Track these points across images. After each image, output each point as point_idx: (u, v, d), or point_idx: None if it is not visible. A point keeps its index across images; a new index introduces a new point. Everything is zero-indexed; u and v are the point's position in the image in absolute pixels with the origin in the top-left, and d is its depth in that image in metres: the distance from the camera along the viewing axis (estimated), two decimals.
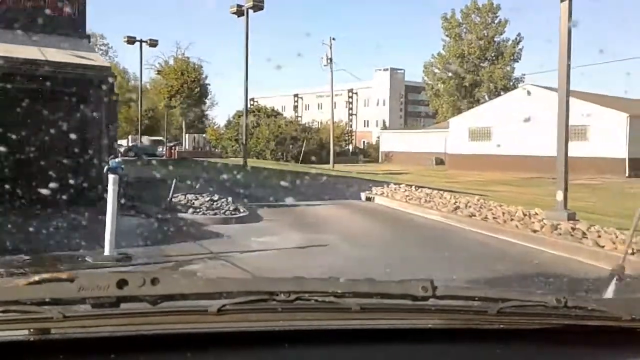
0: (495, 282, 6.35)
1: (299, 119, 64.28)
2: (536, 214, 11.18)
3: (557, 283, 6.58)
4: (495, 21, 54.02)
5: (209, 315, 1.25)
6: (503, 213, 11.07)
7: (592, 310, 1.41)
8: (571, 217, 10.36)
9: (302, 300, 1.30)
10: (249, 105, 55.86)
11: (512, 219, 10.52)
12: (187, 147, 42.13)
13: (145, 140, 42.82)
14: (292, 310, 1.32)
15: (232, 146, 46.37)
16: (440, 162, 45.59)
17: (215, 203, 11.84)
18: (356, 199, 15.46)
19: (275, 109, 53.47)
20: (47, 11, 14.40)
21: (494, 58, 54.44)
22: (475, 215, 11.10)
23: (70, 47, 13.58)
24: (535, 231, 9.47)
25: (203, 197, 12.26)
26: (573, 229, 9.27)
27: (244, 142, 27.72)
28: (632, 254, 6.75)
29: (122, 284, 1.22)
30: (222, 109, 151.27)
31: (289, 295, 1.29)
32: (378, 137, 58.67)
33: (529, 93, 36.79)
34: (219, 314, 1.24)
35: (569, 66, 10.91)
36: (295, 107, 79.94)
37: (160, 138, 45.93)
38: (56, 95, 11.95)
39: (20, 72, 11.60)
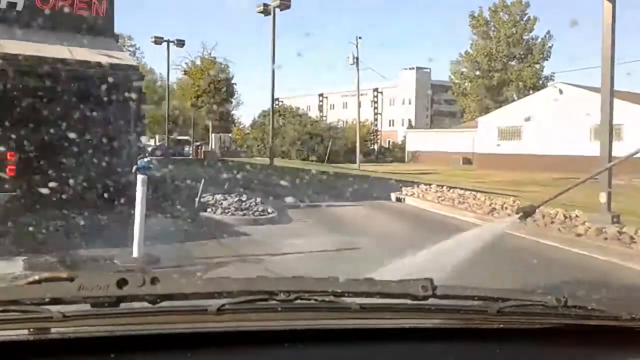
0: (556, 291, 5.94)
1: (324, 118, 64.03)
2: (577, 216, 10.71)
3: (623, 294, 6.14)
4: (524, 19, 52.98)
5: (209, 315, 1.24)
6: (543, 216, 10.60)
7: (591, 309, 1.40)
8: (615, 220, 9.88)
9: (302, 300, 1.30)
10: (275, 105, 56.14)
11: (552, 222, 10.08)
12: (213, 147, 42.16)
13: (172, 140, 42.99)
14: (292, 309, 1.32)
15: (258, 146, 46.38)
16: (467, 161, 44.87)
17: (244, 203, 11.62)
18: (386, 200, 15.13)
19: (301, 108, 53.32)
20: (76, 11, 14.38)
21: (522, 56, 53.47)
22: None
23: (99, 47, 13.52)
24: (579, 235, 9.03)
25: (231, 197, 12.06)
26: (620, 232, 8.80)
27: (271, 141, 27.51)
28: None
29: (122, 283, 1.21)
30: (246, 109, 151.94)
31: (288, 294, 1.28)
32: (404, 137, 58.06)
33: (560, 91, 35.93)
34: (218, 314, 1.24)
35: (612, 64, 10.44)
36: (320, 107, 79.67)
37: (187, 138, 46.10)
38: (84, 94, 11.87)
39: (48, 71, 11.55)
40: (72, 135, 11.81)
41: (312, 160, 41.08)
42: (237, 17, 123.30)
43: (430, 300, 1.32)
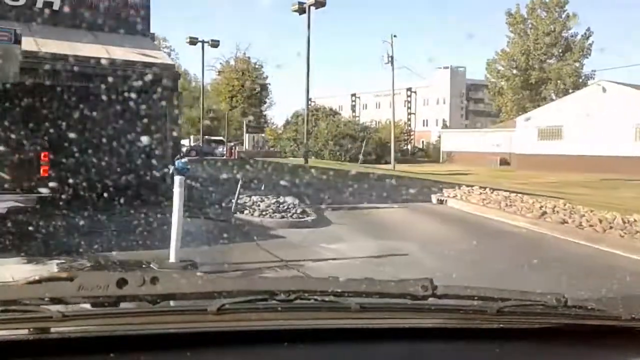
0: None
1: (357, 118, 63.51)
2: (635, 221, 10.02)
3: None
4: (563, 15, 51.54)
5: (209, 315, 1.24)
6: (600, 220, 9.92)
7: (591, 309, 1.39)
8: None
9: (301, 300, 1.30)
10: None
11: (611, 227, 9.42)
12: (247, 147, 42.10)
13: (206, 140, 43.08)
14: (291, 309, 1.32)
15: (291, 146, 46.15)
16: (505, 162, 43.79)
17: (281, 205, 11.24)
18: (426, 202, 14.58)
19: (333, 109, 52.93)
20: (112, 10, 14.30)
21: (561, 54, 52.05)
22: (567, 222, 10.03)
23: (135, 46, 13.39)
24: None
25: (269, 198, 11.70)
26: None
27: (305, 141, 27.15)
28: None
29: (121, 283, 1.21)
30: (279, 109, 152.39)
31: (288, 294, 1.29)
32: (438, 137, 57.15)
33: (604, 89, 34.69)
34: (218, 314, 1.24)
35: None
36: (353, 107, 79.17)
37: (221, 138, 46.16)
38: (120, 93, 11.70)
39: (84, 70, 11.42)
40: (107, 135, 11.66)
41: (346, 161, 40.62)
42: (268, 16, 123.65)
43: (430, 300, 1.32)
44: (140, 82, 11.79)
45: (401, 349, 1.31)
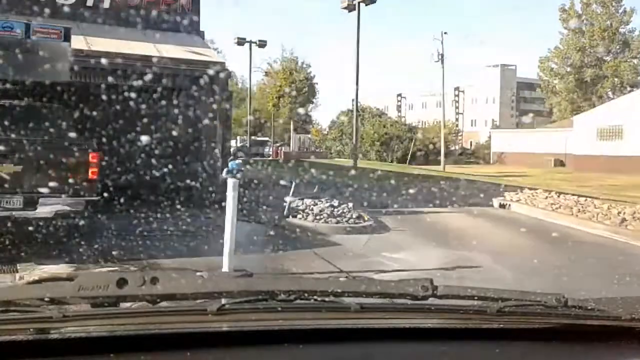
0: None
1: (402, 119, 62.51)
2: None
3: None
4: (620, 11, 49.28)
5: (209, 315, 1.24)
6: None
7: (591, 309, 1.38)
8: None
9: (301, 300, 1.30)
10: (352, 106, 55.27)
11: None
12: (293, 148, 41.79)
13: (252, 140, 42.99)
14: (291, 309, 1.32)
15: (336, 146, 45.70)
16: (559, 163, 42.13)
17: (336, 209, 10.62)
18: (486, 206, 13.74)
19: (378, 109, 52.17)
20: (162, 8, 14.04)
21: (618, 51, 49.80)
22: None
23: (185, 43, 13.08)
24: None
25: (322, 202, 11.09)
26: None
27: (354, 142, 26.51)
28: None
29: (122, 283, 1.21)
30: (323, 110, 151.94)
31: (288, 294, 1.29)
32: (488, 137, 55.59)
33: None
34: (218, 314, 1.24)
35: None
36: (399, 107, 78.06)
37: (267, 139, 46.04)
38: (171, 92, 11.35)
39: (134, 69, 11.12)
40: (156, 135, 11.33)
41: (392, 162, 39.83)
42: (312, 17, 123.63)
43: (430, 300, 1.31)
44: (190, 81, 11.42)
45: (401, 349, 1.30)
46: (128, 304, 1.26)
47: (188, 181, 10.45)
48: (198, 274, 1.51)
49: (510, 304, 1.36)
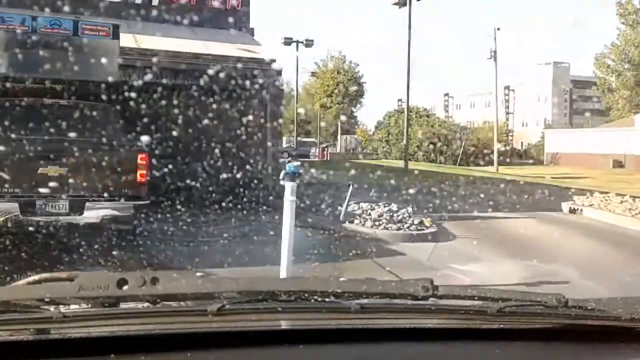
0: None
1: (450, 119, 61.22)
2: None
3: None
4: None
5: (209, 315, 1.24)
6: None
7: (592, 310, 1.38)
8: None
9: (302, 300, 1.30)
10: (397, 106, 54.43)
11: None
12: (340, 149, 41.21)
13: (298, 141, 42.64)
14: (292, 310, 1.33)
15: (383, 147, 44.93)
16: (618, 164, 40.20)
17: (395, 214, 9.92)
18: (555, 211, 12.77)
19: (425, 109, 51.15)
20: (212, 5, 13.69)
21: None
22: None
23: (234, 41, 12.66)
24: None
25: (379, 206, 10.40)
26: None
27: (405, 143, 25.70)
28: None
29: (122, 283, 1.21)
30: (367, 110, 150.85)
31: (289, 295, 1.29)
32: (541, 137, 53.74)
33: None
34: (218, 314, 1.24)
35: None
36: (446, 107, 76.61)
37: (313, 139, 45.64)
38: (220, 90, 10.89)
39: (184, 66, 10.73)
40: (207, 135, 10.90)
41: (441, 163, 38.75)
42: (358, 14, 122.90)
43: (430, 301, 1.32)
44: (240, 79, 10.95)
45: (401, 350, 1.29)
46: (128, 305, 1.25)
47: (241, 184, 9.97)
48: (198, 274, 1.47)
49: (511, 304, 1.35)
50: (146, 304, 1.24)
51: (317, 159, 37.54)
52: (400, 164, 27.25)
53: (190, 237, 8.00)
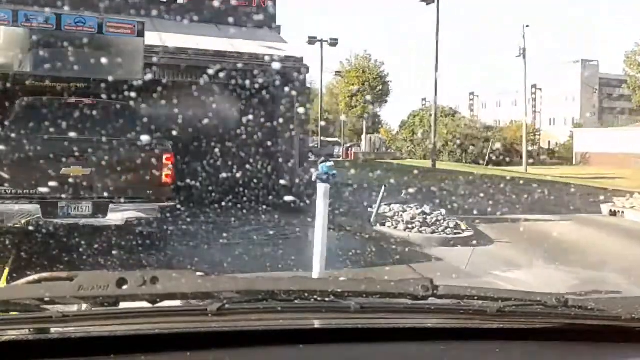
0: None
1: (475, 118, 60.33)
2: None
3: None
4: None
5: (209, 315, 1.23)
6: None
7: (591, 309, 1.38)
8: None
9: (302, 300, 1.30)
10: (422, 105, 53.75)
11: None
12: (365, 148, 40.72)
13: (322, 141, 42.31)
14: (292, 310, 1.33)
15: (408, 147, 44.37)
16: None
17: (428, 217, 9.50)
18: (593, 213, 12.23)
19: (452, 108, 50.43)
20: (237, 2, 13.43)
21: None
22: None
23: (261, 38, 12.38)
24: None
25: (411, 208, 10.00)
26: None
27: (433, 142, 25.20)
28: None
29: (121, 283, 1.20)
30: (391, 109, 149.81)
31: (288, 295, 1.29)
32: (569, 137, 52.57)
33: None
34: (218, 314, 1.24)
35: None
36: (471, 106, 75.67)
37: (337, 139, 45.26)
38: (247, 88, 10.60)
39: (209, 65, 10.46)
40: (234, 135, 10.62)
41: (467, 162, 38.06)
42: (382, 13, 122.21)
43: (430, 300, 1.32)
44: (266, 77, 10.65)
45: (401, 349, 1.29)
46: (128, 304, 1.23)
47: (269, 184, 9.66)
48: (198, 274, 1.45)
49: (511, 304, 1.34)
50: (146, 304, 1.23)
51: (341, 159, 37.11)
52: (426, 163, 26.75)
53: (215, 240, 7.73)
